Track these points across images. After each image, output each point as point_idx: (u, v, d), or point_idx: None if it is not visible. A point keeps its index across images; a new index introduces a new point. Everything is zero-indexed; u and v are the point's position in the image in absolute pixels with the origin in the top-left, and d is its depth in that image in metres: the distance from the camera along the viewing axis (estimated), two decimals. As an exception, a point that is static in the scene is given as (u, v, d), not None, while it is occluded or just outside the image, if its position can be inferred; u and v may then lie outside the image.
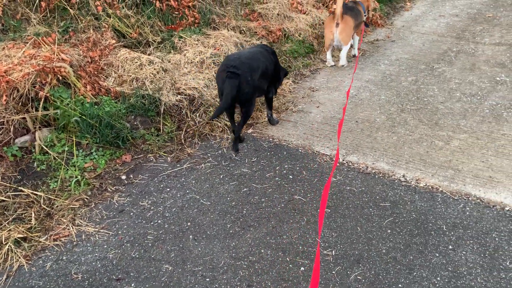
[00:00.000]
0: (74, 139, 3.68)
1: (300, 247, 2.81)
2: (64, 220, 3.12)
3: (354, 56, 5.64)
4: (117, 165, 3.71)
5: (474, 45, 5.72)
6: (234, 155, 3.77)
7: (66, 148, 3.63)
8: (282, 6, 5.91)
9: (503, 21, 6.39)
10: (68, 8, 4.59)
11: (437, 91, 4.64)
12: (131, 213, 3.20)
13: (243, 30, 5.41)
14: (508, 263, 2.58)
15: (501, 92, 4.53)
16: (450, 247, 2.72)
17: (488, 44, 5.70)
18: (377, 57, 5.61)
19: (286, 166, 3.63)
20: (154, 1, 4.98)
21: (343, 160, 3.67)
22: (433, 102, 4.43)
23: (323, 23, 5.97)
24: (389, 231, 2.88)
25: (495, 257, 2.62)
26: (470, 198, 3.12)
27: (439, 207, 3.06)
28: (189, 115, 4.22)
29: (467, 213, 2.98)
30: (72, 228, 3.06)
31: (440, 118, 4.15)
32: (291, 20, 5.81)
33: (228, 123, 4.20)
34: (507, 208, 3.00)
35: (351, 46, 5.54)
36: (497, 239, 2.75)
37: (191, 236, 2.96)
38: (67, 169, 3.52)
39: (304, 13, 6.00)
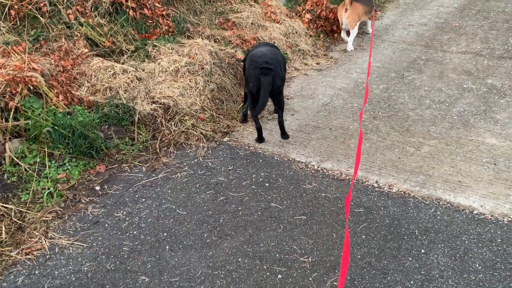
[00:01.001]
0: (46, 150, 3.61)
1: (277, 255, 2.83)
2: (36, 233, 3.05)
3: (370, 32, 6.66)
4: (91, 175, 3.65)
5: (442, 53, 5.91)
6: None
7: (38, 159, 3.56)
8: (256, 15, 5.97)
9: (469, 30, 6.63)
10: (39, 16, 4.51)
11: (407, 98, 4.77)
12: (106, 225, 3.15)
13: (217, 38, 5.44)
14: (477, 265, 2.67)
15: (468, 99, 4.69)
16: (423, 251, 2.79)
17: (455, 53, 5.90)
18: (349, 66, 5.72)
19: (262, 174, 3.66)
20: (127, 10, 4.95)
21: (318, 167, 3.73)
22: (403, 109, 4.55)
23: (296, 32, 6.06)
24: (363, 236, 2.94)
25: (465, 259, 2.71)
26: (440, 203, 3.22)
27: (411, 212, 3.14)
28: (164, 124, 4.20)
29: (438, 217, 3.07)
30: (45, 241, 2.99)
31: (411, 124, 4.27)
32: (265, 29, 5.87)
33: (205, 132, 4.20)
34: (475, 212, 3.10)
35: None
36: (466, 242, 2.84)
37: (167, 247, 2.93)
38: (39, 181, 3.45)
39: (278, 23, 6.07)
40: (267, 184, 3.52)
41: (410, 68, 5.51)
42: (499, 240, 2.83)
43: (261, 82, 3.67)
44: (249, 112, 4.28)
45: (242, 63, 4.64)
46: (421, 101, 4.69)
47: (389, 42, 6.39)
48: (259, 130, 4.09)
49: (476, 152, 3.79)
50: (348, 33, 6.24)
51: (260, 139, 4.13)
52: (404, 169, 3.63)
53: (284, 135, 4.12)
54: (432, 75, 5.29)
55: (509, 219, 3.01)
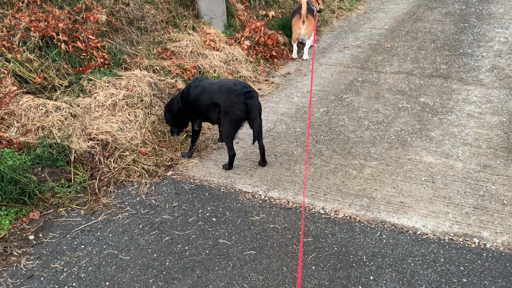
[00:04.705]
0: (-30, 200, 3.32)
1: (227, 295, 2.74)
2: (-39, 296, 2.76)
3: (310, 47, 7.03)
4: (23, 224, 3.40)
5: (377, 74, 6.16)
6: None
7: (-39, 211, 3.26)
8: (195, 43, 5.94)
9: (400, 51, 6.97)
10: (-40, 54, 4.21)
11: (347, 120, 4.90)
12: (42, 278, 2.92)
13: (156, 69, 5.33)
14: None
15: (403, 118, 4.89)
16: (371, 277, 2.81)
17: (389, 73, 6.17)
18: (290, 90, 5.81)
19: (209, 208, 3.57)
20: (59, 44, 4.74)
21: (265, 196, 3.70)
22: (344, 132, 4.65)
23: (236, 59, 6.08)
24: (313, 267, 2.92)
25: (411, 283, 2.75)
26: (385, 226, 3.27)
27: (358, 237, 3.17)
28: (102, 162, 4.01)
29: (384, 241, 3.12)
30: (-29, 304, 2.72)
31: (352, 147, 4.36)
32: (205, 57, 5.84)
33: (147, 167, 4.06)
34: (418, 232, 3.18)
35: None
36: (412, 264, 2.89)
37: (110, 297, 2.76)
38: (-37, 235, 3.15)
39: (218, 50, 6.07)
40: (214, 219, 3.43)
41: (348, 90, 5.68)
42: (442, 259, 2.91)
43: (251, 106, 3.78)
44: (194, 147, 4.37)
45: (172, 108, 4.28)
46: (360, 123, 4.83)
47: (327, 65, 6.57)
48: (233, 157, 4.08)
49: (415, 171, 3.92)
50: (301, 43, 7.05)
51: (231, 166, 4.12)
52: (348, 193, 3.68)
53: (264, 161, 4.13)
54: (369, 96, 5.47)
55: (450, 237, 3.11)
